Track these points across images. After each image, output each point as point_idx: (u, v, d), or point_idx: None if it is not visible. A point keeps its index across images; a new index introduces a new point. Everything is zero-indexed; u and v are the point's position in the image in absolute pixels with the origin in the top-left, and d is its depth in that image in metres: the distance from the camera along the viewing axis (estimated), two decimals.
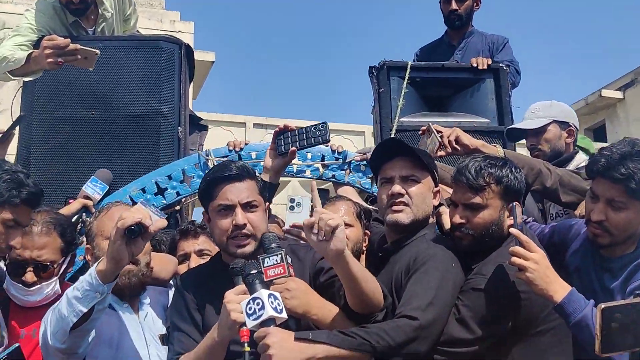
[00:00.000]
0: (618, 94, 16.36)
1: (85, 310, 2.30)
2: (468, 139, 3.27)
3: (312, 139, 3.33)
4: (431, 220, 2.89)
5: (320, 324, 2.50)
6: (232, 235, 2.63)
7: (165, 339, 2.77)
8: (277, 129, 3.38)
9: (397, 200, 2.77)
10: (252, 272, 2.41)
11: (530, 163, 3.24)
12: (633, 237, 2.77)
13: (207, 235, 3.29)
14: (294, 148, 3.32)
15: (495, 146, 3.28)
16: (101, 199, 3.61)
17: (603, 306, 2.15)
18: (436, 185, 2.88)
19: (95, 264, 2.32)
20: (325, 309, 2.53)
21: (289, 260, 2.51)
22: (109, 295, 2.36)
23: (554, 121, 3.73)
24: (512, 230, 2.56)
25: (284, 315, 2.34)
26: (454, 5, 4.94)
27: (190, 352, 2.54)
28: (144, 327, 2.78)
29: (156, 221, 2.27)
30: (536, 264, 2.47)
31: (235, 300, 2.38)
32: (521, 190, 2.76)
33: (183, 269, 3.23)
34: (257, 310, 2.31)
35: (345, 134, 14.61)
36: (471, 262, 2.71)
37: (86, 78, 3.90)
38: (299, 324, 2.53)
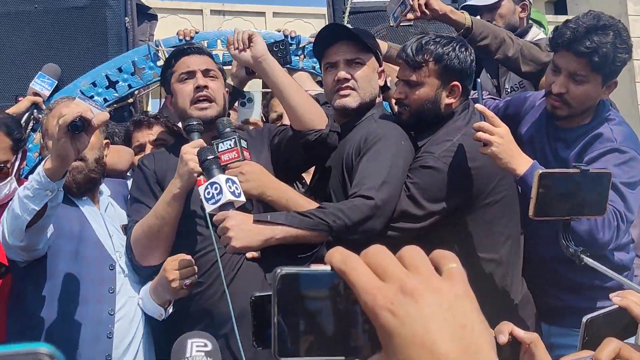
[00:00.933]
0: None
1: (37, 208, 2.30)
2: (438, 4, 3.22)
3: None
4: (378, 99, 2.91)
5: (275, 204, 2.57)
6: (194, 99, 2.74)
7: (125, 228, 2.80)
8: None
9: (343, 86, 2.78)
10: (208, 157, 2.45)
11: (495, 32, 3.24)
12: (590, 110, 2.82)
13: (161, 124, 3.31)
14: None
15: (462, 13, 3.25)
16: (51, 95, 3.55)
17: (541, 171, 2.21)
18: (380, 65, 2.90)
19: (43, 162, 2.31)
20: (280, 190, 2.60)
21: (243, 144, 2.54)
22: (61, 192, 2.36)
23: None
24: (477, 105, 2.60)
25: (242, 198, 2.40)
26: None
27: (149, 212, 2.64)
28: (105, 218, 2.80)
29: (98, 114, 2.24)
30: (501, 139, 2.51)
31: (192, 152, 2.49)
32: (464, 70, 2.74)
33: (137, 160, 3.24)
34: (215, 195, 2.38)
35: (305, 17, 14.38)
36: (418, 139, 2.76)
37: None
38: (258, 208, 2.58)
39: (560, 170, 2.36)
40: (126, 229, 2.78)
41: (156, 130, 3.31)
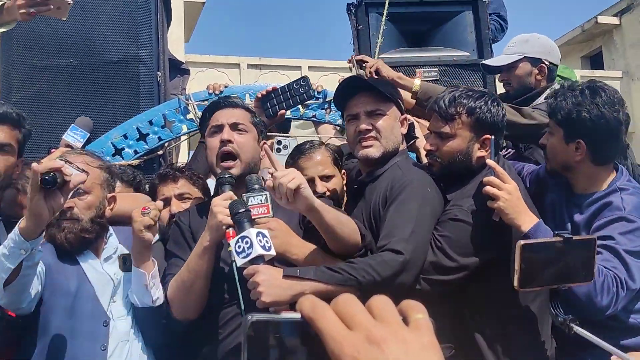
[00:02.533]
0: (614, 20, 16.14)
1: (12, 267, 2.26)
2: (386, 71, 3.40)
3: (297, 97, 3.52)
4: (401, 147, 2.93)
5: (299, 262, 2.57)
6: (219, 154, 2.74)
7: (125, 261, 2.74)
8: (259, 95, 3.48)
9: (365, 136, 2.82)
10: (240, 210, 2.48)
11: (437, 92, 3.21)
12: (603, 177, 2.86)
13: (187, 178, 3.32)
14: (282, 111, 3.47)
15: (415, 77, 3.36)
16: (83, 147, 3.63)
17: (522, 242, 2.22)
18: (402, 113, 2.92)
19: (19, 221, 2.26)
20: (305, 248, 2.59)
21: (271, 201, 2.57)
22: (39, 251, 2.32)
23: (525, 57, 3.69)
24: (488, 161, 2.62)
25: (272, 252, 2.41)
26: None
27: (181, 269, 2.64)
28: (105, 267, 2.74)
29: (74, 176, 2.20)
30: (509, 194, 2.53)
31: (222, 205, 2.50)
32: (495, 124, 2.78)
33: (164, 214, 3.25)
34: (245, 249, 2.39)
35: (340, 71, 14.49)
36: (447, 192, 2.77)
37: (63, 26, 3.86)
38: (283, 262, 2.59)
39: (543, 240, 2.38)
40: (124, 261, 2.74)
41: (182, 183, 3.31)
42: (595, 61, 16.66)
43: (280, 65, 14.92)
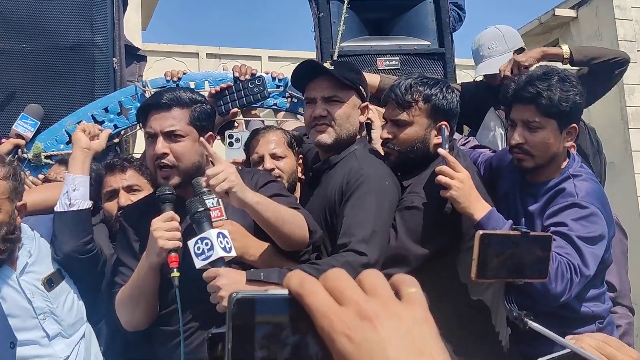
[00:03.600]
0: (571, 13, 16.30)
1: None
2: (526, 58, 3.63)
3: (251, 96, 3.48)
4: (359, 136, 2.90)
5: (258, 264, 2.52)
6: (156, 164, 2.61)
7: (49, 283, 2.66)
8: (213, 90, 3.44)
9: (319, 122, 2.79)
10: (199, 209, 2.40)
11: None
12: (556, 162, 2.85)
13: (135, 169, 3.21)
14: (235, 109, 3.44)
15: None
16: (34, 136, 3.53)
17: (481, 232, 2.22)
18: (363, 101, 2.88)
19: None
20: (262, 249, 2.54)
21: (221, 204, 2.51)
22: None
23: (513, 52, 3.78)
24: (440, 150, 2.61)
25: (233, 253, 2.35)
26: None
27: (127, 283, 2.57)
28: (22, 283, 2.61)
29: None
30: (461, 183, 2.53)
31: (162, 227, 2.39)
32: (451, 111, 2.78)
33: (111, 206, 3.17)
34: (205, 251, 2.32)
35: (299, 61, 14.47)
36: (403, 179, 2.75)
37: (14, 9, 3.76)
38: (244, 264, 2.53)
39: (501, 232, 2.39)
40: (46, 284, 2.65)
41: (130, 174, 3.19)
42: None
43: (240, 55, 14.76)
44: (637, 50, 15.02)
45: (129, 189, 3.17)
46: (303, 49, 15.67)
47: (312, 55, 13.98)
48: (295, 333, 0.69)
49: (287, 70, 3.76)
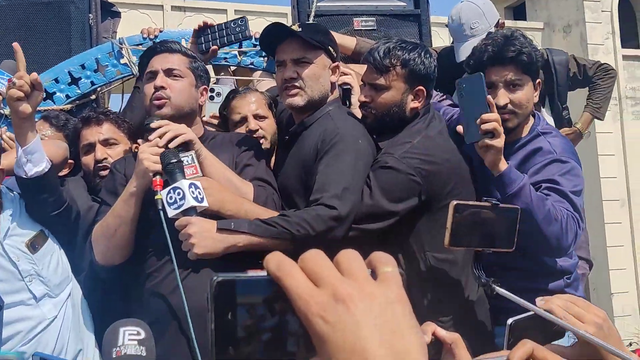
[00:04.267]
0: None
1: None
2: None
3: (232, 35, 3.48)
4: (332, 97, 2.91)
5: (235, 218, 2.56)
6: (152, 98, 2.72)
7: (33, 245, 2.69)
8: (197, 26, 3.46)
9: (289, 85, 2.80)
10: (172, 161, 2.46)
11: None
12: (524, 121, 2.93)
13: (112, 122, 3.21)
14: (215, 47, 3.44)
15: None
16: None
17: (455, 202, 2.30)
18: (334, 61, 2.88)
19: None
20: (238, 203, 2.60)
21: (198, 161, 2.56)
22: None
23: (494, 27, 3.77)
24: (488, 97, 2.67)
25: (205, 203, 2.41)
26: None
27: (107, 212, 2.63)
28: (5, 246, 2.62)
29: None
30: (502, 135, 2.61)
31: (147, 151, 2.49)
32: (428, 75, 2.83)
33: (89, 160, 3.16)
34: (177, 200, 2.38)
35: (267, 15, 14.31)
36: (379, 140, 2.81)
37: None
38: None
39: (473, 203, 2.47)
40: (30, 247, 2.67)
41: (107, 128, 3.19)
42: (519, 11, 16.91)
43: (205, 7, 14.57)
44: (602, 11, 15.18)
45: (106, 143, 3.16)
46: (269, 2, 15.49)
47: (279, 9, 13.82)
48: (275, 314, 0.72)
49: (252, 24, 3.77)
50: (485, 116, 2.61)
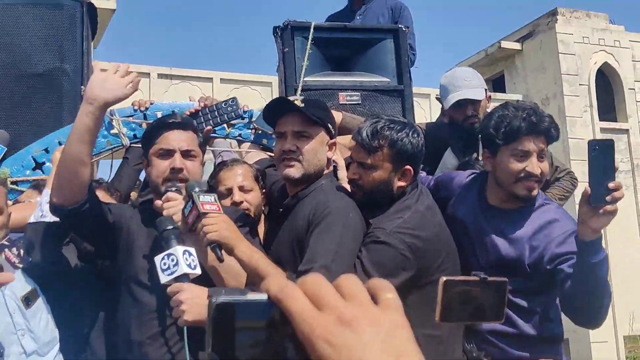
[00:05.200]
0: (516, 46, 16.77)
1: None
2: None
3: (225, 115, 3.66)
4: (326, 171, 2.99)
5: (243, 263, 2.59)
6: (167, 177, 2.79)
7: (27, 300, 2.73)
8: (188, 112, 3.62)
9: (288, 157, 2.88)
10: (168, 227, 2.52)
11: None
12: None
13: (104, 190, 3.31)
14: (209, 127, 3.61)
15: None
16: (0, 162, 3.56)
17: (445, 279, 2.37)
18: (331, 138, 2.98)
19: None
20: (252, 250, 2.63)
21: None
22: None
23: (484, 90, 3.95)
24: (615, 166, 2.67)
25: (198, 271, 2.45)
26: None
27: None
28: (6, 296, 2.67)
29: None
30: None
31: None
32: (416, 155, 2.89)
33: None
34: (171, 266, 2.43)
35: (252, 84, 14.54)
36: (369, 216, 2.87)
37: None
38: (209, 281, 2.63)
39: (463, 278, 2.51)
40: (25, 302, 2.70)
41: (100, 195, 3.16)
42: (498, 84, 17.27)
43: (192, 76, 14.79)
44: (579, 84, 15.53)
45: None
46: (254, 71, 15.75)
47: (264, 78, 14.03)
48: (274, 337, 0.71)
49: (237, 93, 3.92)
50: (614, 184, 2.59)
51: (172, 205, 2.65)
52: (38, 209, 2.89)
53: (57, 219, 2.80)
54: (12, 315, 2.65)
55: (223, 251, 2.53)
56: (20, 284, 2.74)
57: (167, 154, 2.83)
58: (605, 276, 2.63)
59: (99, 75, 2.69)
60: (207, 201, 2.55)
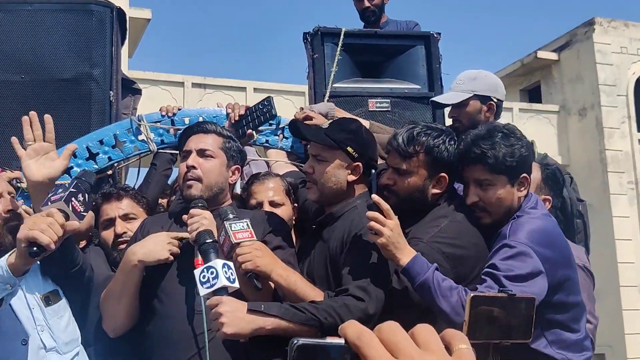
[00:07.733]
0: (553, 56, 16.62)
1: None
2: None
3: (261, 117, 3.63)
4: (360, 191, 2.91)
5: (281, 286, 2.62)
6: (183, 178, 2.88)
7: (47, 300, 2.73)
8: (231, 120, 3.66)
9: (307, 179, 2.93)
10: (207, 240, 2.54)
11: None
12: (510, 214, 2.87)
13: (131, 197, 3.29)
14: (249, 131, 3.61)
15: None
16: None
17: (472, 295, 2.29)
18: (354, 160, 2.86)
19: (7, 256, 2.37)
20: (289, 272, 2.64)
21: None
22: (18, 285, 2.43)
23: (475, 95, 3.67)
24: (373, 196, 2.65)
25: (236, 285, 2.46)
26: (367, 3, 5.14)
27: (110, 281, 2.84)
28: (25, 291, 2.68)
29: (68, 224, 2.39)
30: (390, 230, 2.56)
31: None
32: (452, 162, 2.85)
33: (108, 235, 3.22)
34: (210, 279, 2.45)
35: (285, 94, 14.59)
36: (404, 225, 2.81)
37: (15, 42, 3.81)
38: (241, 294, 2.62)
39: (491, 294, 2.44)
40: (45, 300, 2.72)
41: (126, 203, 3.27)
42: (534, 94, 17.12)
43: (225, 85, 14.91)
44: (617, 95, 15.31)
45: (125, 217, 3.24)
46: (288, 81, 15.80)
47: (297, 87, 14.10)
48: None
49: (278, 103, 3.88)
50: (367, 214, 2.60)
51: (196, 220, 2.68)
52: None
53: None
54: (31, 310, 2.66)
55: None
56: (41, 284, 2.76)
57: (186, 155, 2.95)
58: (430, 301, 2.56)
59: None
60: (238, 229, 2.57)
